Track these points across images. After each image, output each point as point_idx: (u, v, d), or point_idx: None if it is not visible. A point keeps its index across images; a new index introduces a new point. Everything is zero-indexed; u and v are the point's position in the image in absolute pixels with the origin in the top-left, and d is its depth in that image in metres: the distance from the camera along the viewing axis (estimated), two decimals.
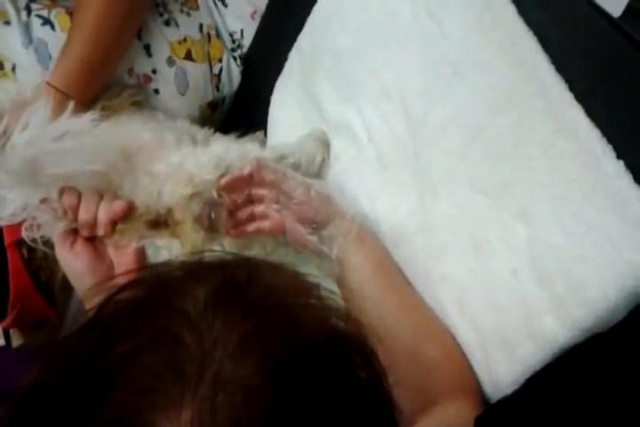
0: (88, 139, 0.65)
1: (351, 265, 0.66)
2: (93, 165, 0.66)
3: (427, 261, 0.66)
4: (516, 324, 0.56)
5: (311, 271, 0.77)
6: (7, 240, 1.38)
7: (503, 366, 0.57)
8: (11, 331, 1.63)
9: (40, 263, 1.43)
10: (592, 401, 0.53)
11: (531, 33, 0.57)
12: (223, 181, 0.68)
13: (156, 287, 0.38)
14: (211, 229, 0.71)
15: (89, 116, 0.66)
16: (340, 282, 0.67)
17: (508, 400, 0.57)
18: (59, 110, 0.66)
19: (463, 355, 0.61)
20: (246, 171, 0.68)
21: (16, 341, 1.64)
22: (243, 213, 0.70)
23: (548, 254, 0.54)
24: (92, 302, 0.68)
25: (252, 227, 0.71)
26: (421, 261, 0.67)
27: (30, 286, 1.43)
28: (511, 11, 0.59)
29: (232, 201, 0.69)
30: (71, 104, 0.66)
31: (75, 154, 0.64)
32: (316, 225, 0.67)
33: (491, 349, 0.58)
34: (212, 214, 0.70)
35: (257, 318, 0.35)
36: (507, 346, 0.57)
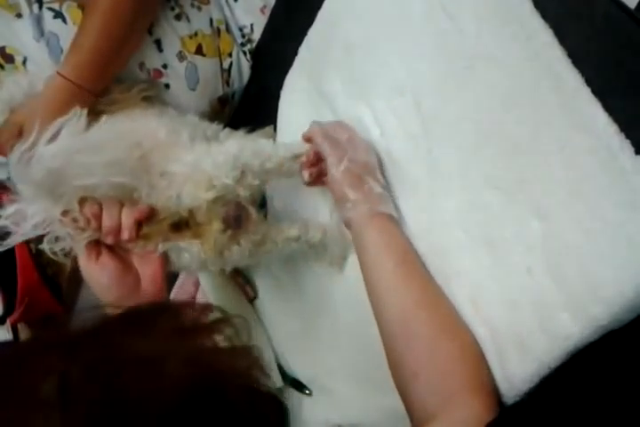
0: (109, 145, 0.65)
1: (372, 256, 0.67)
2: (120, 178, 0.65)
3: (439, 257, 0.66)
4: (531, 321, 0.55)
5: (322, 266, 0.78)
6: None
7: (517, 363, 0.56)
8: (18, 326, 1.64)
9: (48, 258, 1.43)
10: (608, 402, 0.52)
11: (547, 27, 0.56)
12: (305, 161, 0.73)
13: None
14: (237, 229, 0.71)
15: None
16: (362, 273, 0.68)
17: (521, 404, 0.56)
18: (70, 101, 0.66)
19: (482, 354, 0.60)
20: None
21: (24, 335, 1.65)
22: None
23: (564, 251, 0.53)
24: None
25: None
26: (434, 257, 0.66)
27: (38, 280, 1.44)
28: (527, 4, 0.58)
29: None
30: (84, 112, 0.65)
31: (102, 166, 0.64)
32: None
33: (504, 346, 0.58)
34: (239, 215, 0.71)
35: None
36: (521, 343, 0.56)
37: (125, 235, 0.66)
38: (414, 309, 0.62)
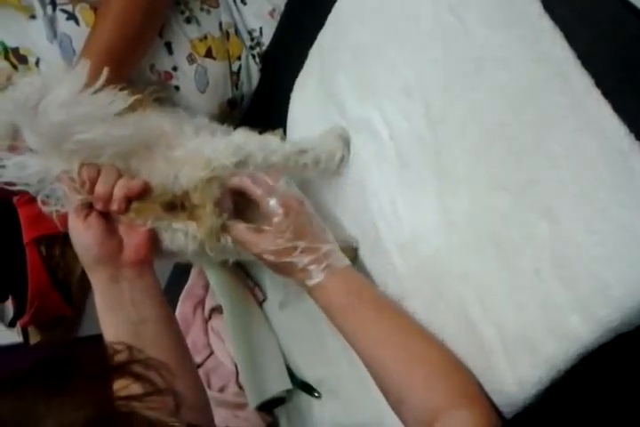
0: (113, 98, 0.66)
1: (323, 298, 0.67)
2: (122, 133, 0.66)
3: (447, 259, 0.66)
4: (540, 323, 0.55)
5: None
6: (26, 238, 1.40)
7: (526, 366, 0.56)
8: (29, 328, 1.65)
9: (58, 261, 1.45)
10: (619, 405, 0.52)
11: (556, 29, 0.56)
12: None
13: None
14: (234, 213, 0.71)
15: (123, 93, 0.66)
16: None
17: (532, 409, 0.57)
18: None
19: (457, 364, 0.62)
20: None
21: (34, 338, 1.66)
22: None
23: (572, 253, 0.53)
24: (95, 276, 0.68)
25: None
26: (442, 259, 0.66)
27: (48, 283, 1.45)
28: (536, 6, 0.58)
29: None
30: (106, 71, 0.66)
31: (105, 121, 0.64)
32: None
33: (513, 348, 0.58)
34: (237, 200, 0.71)
35: None
36: (530, 345, 0.56)
37: (114, 206, 0.68)
38: (372, 347, 0.63)
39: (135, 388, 0.45)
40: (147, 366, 0.47)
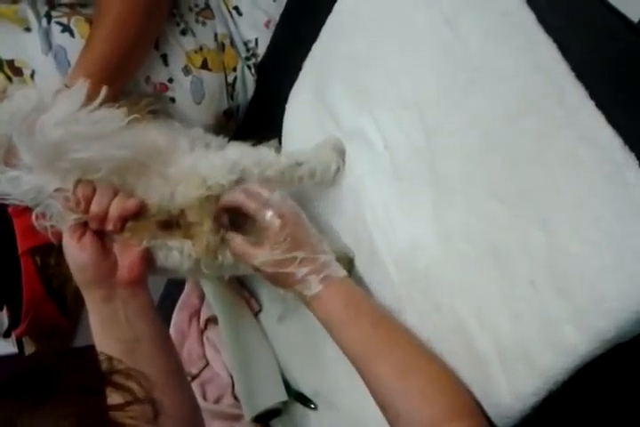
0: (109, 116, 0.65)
1: (322, 309, 0.66)
2: (118, 151, 0.65)
3: (443, 270, 0.65)
4: (536, 335, 0.55)
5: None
6: (21, 248, 1.39)
7: (523, 377, 0.56)
8: (23, 339, 1.64)
9: (53, 271, 1.44)
10: (616, 416, 0.52)
11: (550, 40, 0.57)
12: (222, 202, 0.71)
13: None
14: (231, 229, 0.71)
15: (120, 111, 0.66)
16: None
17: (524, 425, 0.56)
18: None
19: (453, 379, 0.62)
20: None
21: (29, 348, 1.65)
22: None
23: (568, 263, 0.53)
24: (89, 295, 0.68)
25: None
26: (438, 270, 0.66)
27: (43, 293, 1.44)
28: (530, 17, 0.58)
29: None
30: (104, 90, 0.65)
31: (101, 139, 0.64)
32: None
33: (510, 360, 0.57)
34: (235, 217, 0.71)
35: None
36: (526, 357, 0.56)
37: (110, 226, 0.67)
38: (373, 359, 0.63)
39: (115, 397, 0.45)
40: (127, 376, 0.47)
